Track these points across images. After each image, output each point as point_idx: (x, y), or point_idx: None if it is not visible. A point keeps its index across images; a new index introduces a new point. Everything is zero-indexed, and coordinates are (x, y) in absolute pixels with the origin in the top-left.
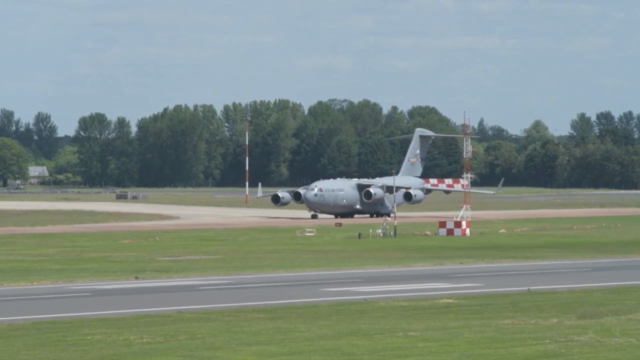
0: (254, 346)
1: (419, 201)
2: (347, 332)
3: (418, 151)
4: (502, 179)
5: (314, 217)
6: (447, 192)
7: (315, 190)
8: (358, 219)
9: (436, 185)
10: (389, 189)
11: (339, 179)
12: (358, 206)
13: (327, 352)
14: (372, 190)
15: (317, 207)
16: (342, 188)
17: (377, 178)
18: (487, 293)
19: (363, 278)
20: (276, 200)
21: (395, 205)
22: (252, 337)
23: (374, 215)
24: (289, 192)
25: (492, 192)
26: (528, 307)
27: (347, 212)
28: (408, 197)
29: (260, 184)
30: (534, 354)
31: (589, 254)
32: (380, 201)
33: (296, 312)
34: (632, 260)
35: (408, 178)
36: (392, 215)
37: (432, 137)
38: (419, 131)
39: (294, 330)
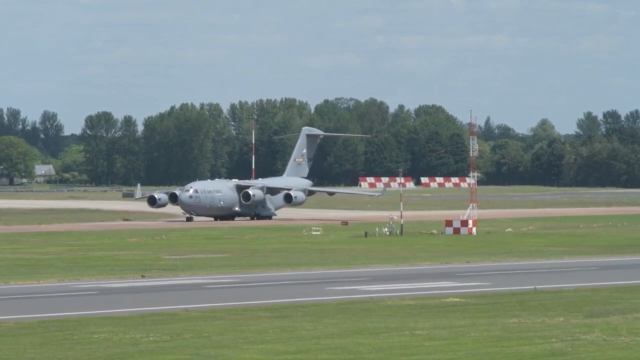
0: (260, 345)
1: (300, 203)
2: (353, 330)
3: (305, 151)
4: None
5: (189, 219)
6: (330, 193)
7: (190, 191)
8: (363, 219)
9: (325, 186)
10: (270, 190)
11: (217, 179)
12: (237, 208)
13: (333, 351)
14: (250, 191)
15: (192, 209)
16: (220, 189)
17: (260, 179)
18: (494, 292)
19: (369, 277)
20: (153, 201)
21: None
22: (259, 336)
23: (255, 218)
24: (165, 193)
25: (377, 194)
26: (534, 306)
27: (225, 214)
28: (288, 198)
29: (139, 184)
30: (540, 353)
31: (596, 253)
32: (261, 203)
33: (302, 310)
34: (638, 259)
35: (293, 179)
36: (274, 217)
37: (321, 137)
38: (306, 130)
39: (300, 329)
